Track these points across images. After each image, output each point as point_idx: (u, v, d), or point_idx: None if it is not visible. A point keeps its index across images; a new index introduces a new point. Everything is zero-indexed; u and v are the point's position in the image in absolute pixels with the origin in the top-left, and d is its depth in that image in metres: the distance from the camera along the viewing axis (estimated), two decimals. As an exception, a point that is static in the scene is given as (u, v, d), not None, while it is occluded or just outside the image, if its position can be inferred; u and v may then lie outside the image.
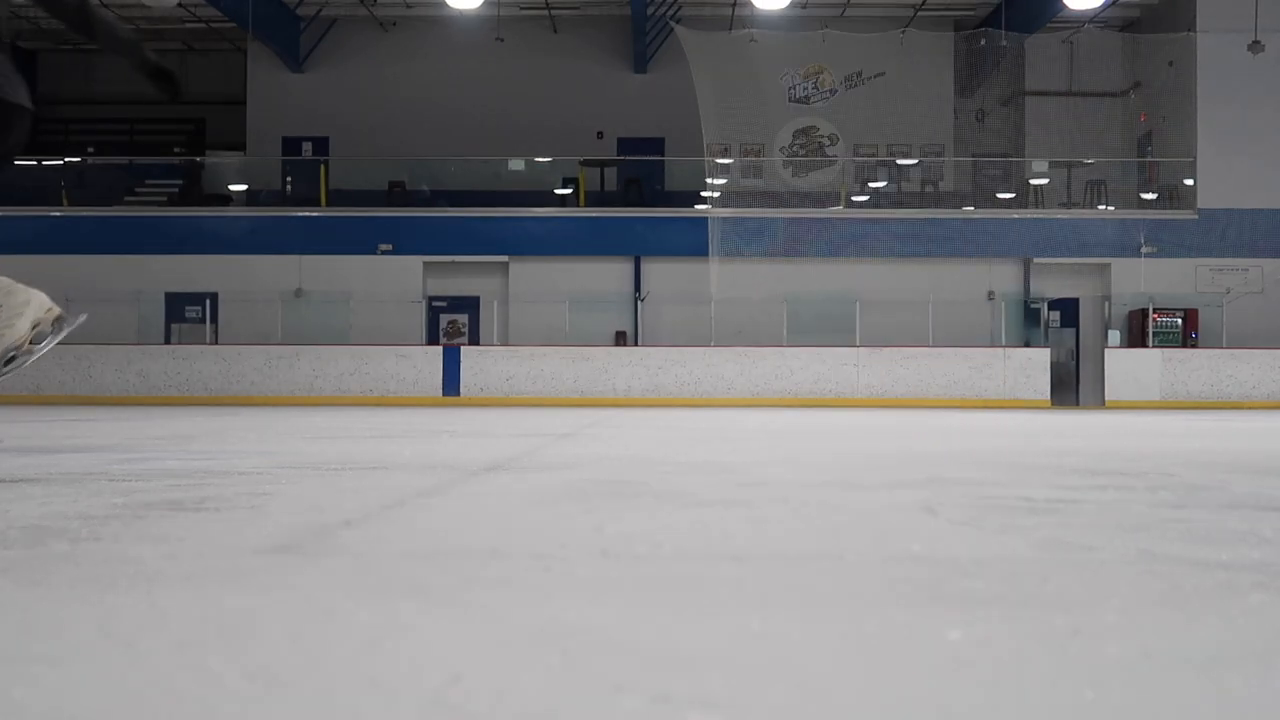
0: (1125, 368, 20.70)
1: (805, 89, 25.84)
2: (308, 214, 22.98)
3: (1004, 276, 22.98)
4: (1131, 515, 2.49)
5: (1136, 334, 22.29)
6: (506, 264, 22.87)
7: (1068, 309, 23.24)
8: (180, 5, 23.67)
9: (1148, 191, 24.08)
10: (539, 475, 3.69)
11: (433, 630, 1.28)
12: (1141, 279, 22.20)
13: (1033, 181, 24.29)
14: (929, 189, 24.82)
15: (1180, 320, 22.09)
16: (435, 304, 22.75)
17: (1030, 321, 22.91)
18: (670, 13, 24.80)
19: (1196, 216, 22.71)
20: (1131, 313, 22.60)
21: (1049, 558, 1.86)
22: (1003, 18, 23.85)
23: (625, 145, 25.76)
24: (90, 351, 20.38)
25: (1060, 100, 25.41)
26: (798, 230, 22.46)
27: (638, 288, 22.74)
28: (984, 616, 1.36)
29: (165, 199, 24.57)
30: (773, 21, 23.90)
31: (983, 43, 24.65)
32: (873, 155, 25.45)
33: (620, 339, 22.29)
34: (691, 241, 22.21)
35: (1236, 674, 1.11)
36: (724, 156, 24.26)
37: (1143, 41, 24.61)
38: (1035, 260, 22.90)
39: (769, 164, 25.23)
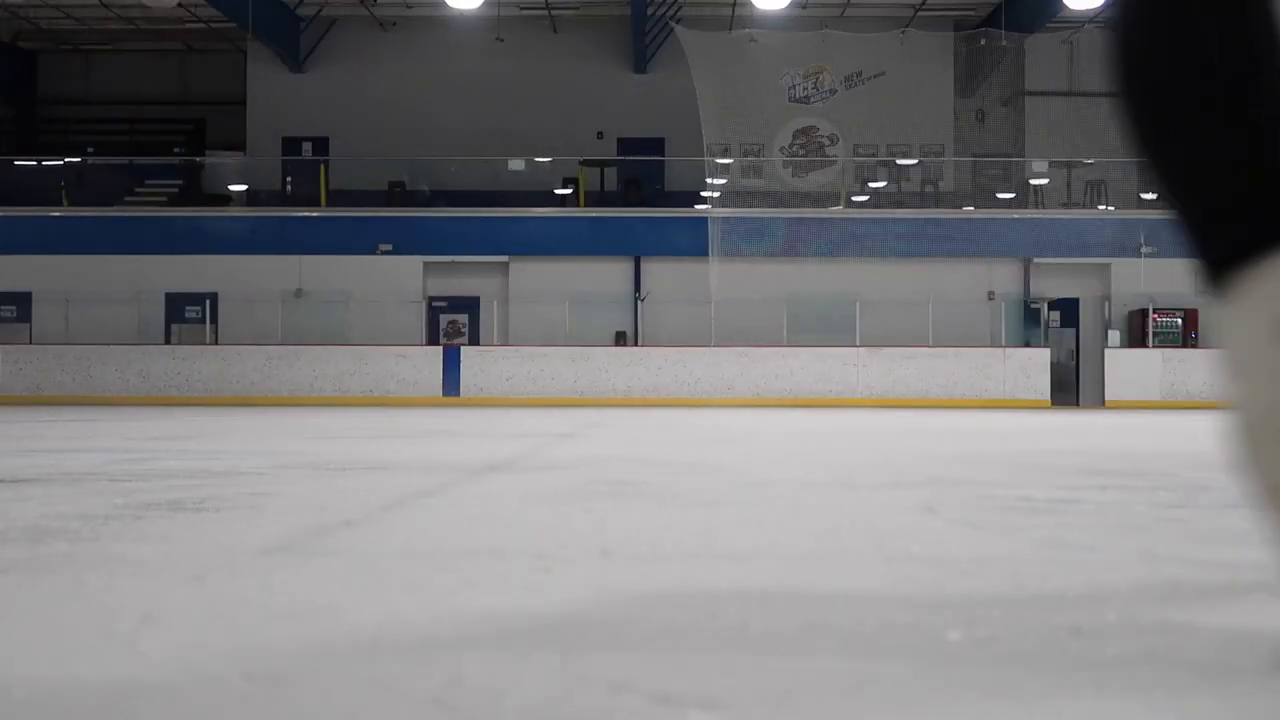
0: (1125, 368, 20.68)
1: (805, 89, 25.84)
2: (308, 214, 22.97)
3: (1004, 276, 22.98)
4: (1131, 515, 2.49)
5: (1136, 334, 22.29)
6: (506, 264, 22.87)
7: (1068, 309, 23.23)
8: (180, 5, 23.66)
9: (1148, 191, 24.08)
10: (539, 475, 3.69)
11: (433, 630, 1.28)
12: (1141, 279, 22.20)
13: (1033, 181, 24.29)
14: (929, 189, 24.81)
15: (1180, 320, 22.09)
16: (435, 304, 22.74)
17: (1030, 321, 22.90)
18: (670, 13, 24.80)
19: (1196, 216, 22.71)
20: (1131, 313, 22.60)
21: (1049, 558, 1.86)
22: (1003, 18, 23.84)
23: (625, 145, 25.75)
24: (90, 351, 20.38)
25: (1060, 100, 25.41)
26: (798, 230, 22.46)
27: (638, 288, 22.73)
28: (984, 616, 1.36)
29: (165, 199, 24.57)
30: (773, 21, 23.90)
31: (983, 43, 24.65)
32: (873, 155, 25.45)
33: (620, 339, 22.28)
34: (691, 241, 22.20)
35: (1236, 674, 1.11)
36: (724, 156, 24.26)
37: (1143, 41, 24.61)
38: (1035, 260, 22.90)
39: (769, 164, 25.24)
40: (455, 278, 22.94)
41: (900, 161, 25.08)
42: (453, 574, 1.66)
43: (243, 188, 25.09)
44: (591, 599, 1.47)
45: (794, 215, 22.77)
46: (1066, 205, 24.00)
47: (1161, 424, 10.72)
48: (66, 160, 25.34)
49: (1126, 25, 1.24)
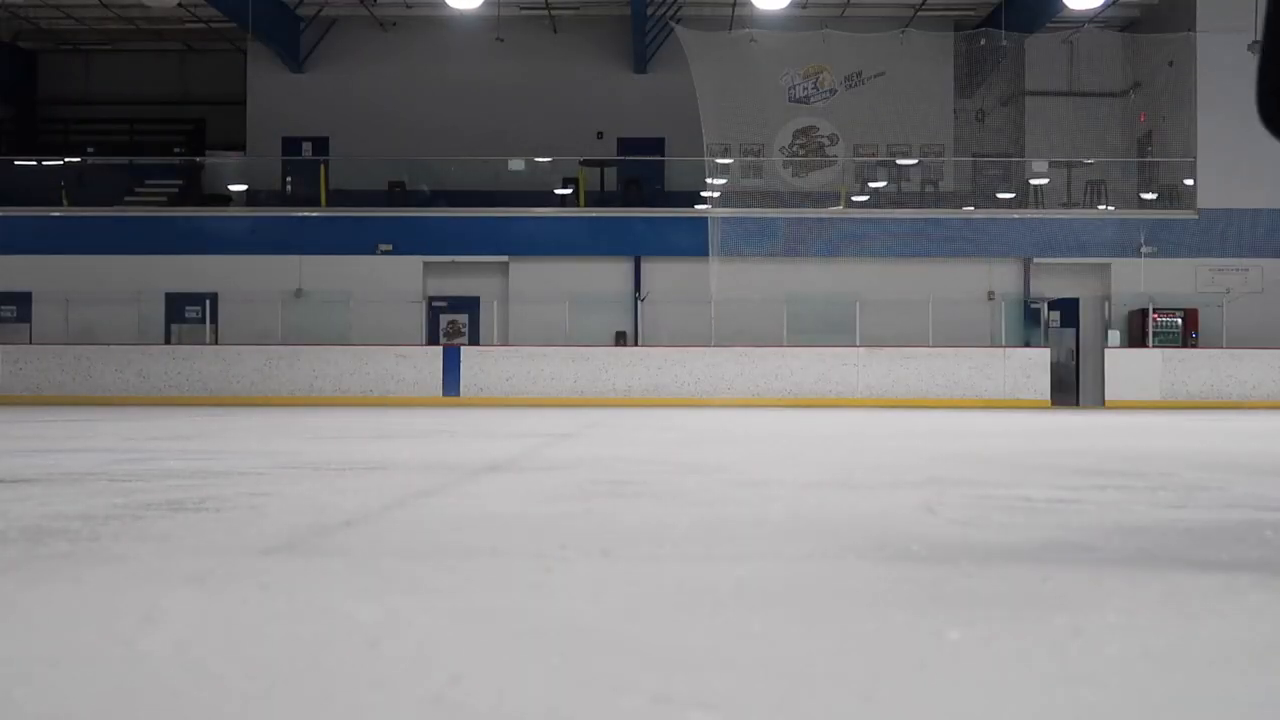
0: (1125, 368, 20.68)
1: (805, 89, 25.84)
2: (308, 214, 22.96)
3: (1004, 276, 22.97)
4: (1131, 515, 2.49)
5: (1136, 334, 22.28)
6: (506, 264, 22.86)
7: (1068, 309, 23.22)
8: (180, 5, 23.65)
9: (1148, 191, 24.07)
10: (539, 475, 3.69)
11: (433, 630, 1.28)
12: (1141, 279, 22.20)
13: (1033, 181, 24.27)
14: (929, 189, 24.80)
15: (1180, 320, 22.09)
16: (435, 304, 22.72)
17: (1030, 321, 22.89)
18: (670, 13, 24.79)
19: (1196, 216, 22.70)
20: (1131, 313, 22.59)
21: (1049, 558, 1.86)
22: (1003, 18, 23.83)
23: (625, 145, 25.74)
24: (90, 351, 20.38)
25: (1060, 100, 25.40)
26: (798, 230, 22.45)
27: (638, 288, 22.72)
28: (984, 616, 1.36)
29: (165, 199, 24.56)
30: (773, 21, 23.89)
31: (983, 43, 24.65)
32: (873, 155, 25.43)
33: (620, 339, 22.27)
34: (691, 241, 22.19)
35: (1236, 674, 1.11)
36: (724, 156, 24.25)
37: (1143, 41, 24.60)
38: (1035, 260, 22.89)
39: (769, 164, 25.22)
40: (455, 278, 22.94)
41: (900, 161, 25.08)
42: (453, 574, 1.66)
43: (243, 188, 25.08)
44: (591, 599, 1.47)
45: (794, 215, 22.78)
46: (1066, 205, 24.00)
47: (1161, 424, 10.71)
48: (66, 160, 25.34)
49: None
